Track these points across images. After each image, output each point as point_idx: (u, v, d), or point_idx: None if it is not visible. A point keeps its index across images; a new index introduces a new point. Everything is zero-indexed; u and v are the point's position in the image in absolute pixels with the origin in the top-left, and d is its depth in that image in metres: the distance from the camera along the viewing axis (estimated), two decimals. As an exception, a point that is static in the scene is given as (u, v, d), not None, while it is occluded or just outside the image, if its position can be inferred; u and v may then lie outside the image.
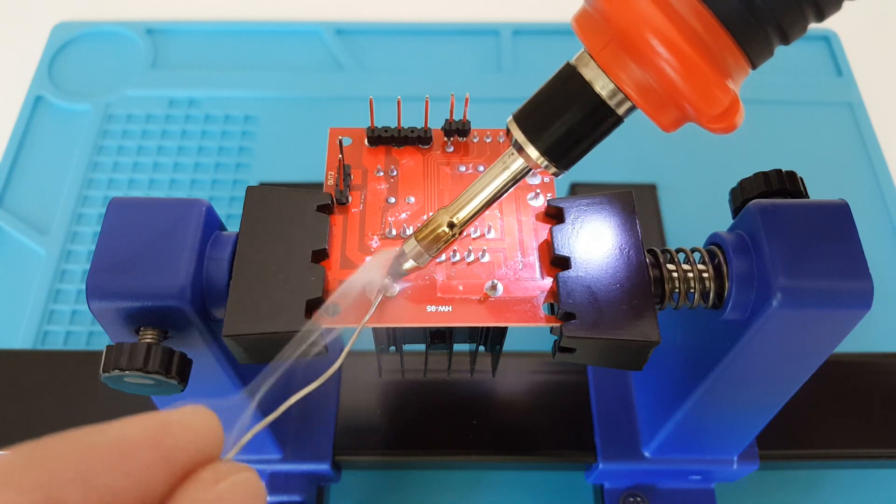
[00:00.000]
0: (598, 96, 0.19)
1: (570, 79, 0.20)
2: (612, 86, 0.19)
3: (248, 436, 0.17)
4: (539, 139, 0.20)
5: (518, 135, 0.21)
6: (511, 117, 0.21)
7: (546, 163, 0.21)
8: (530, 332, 0.27)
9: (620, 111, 0.20)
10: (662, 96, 0.18)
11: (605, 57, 0.19)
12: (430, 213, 0.26)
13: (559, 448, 0.35)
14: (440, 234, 0.23)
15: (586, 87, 0.19)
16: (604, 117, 0.20)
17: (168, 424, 0.14)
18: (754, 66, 0.19)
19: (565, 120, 0.20)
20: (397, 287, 0.24)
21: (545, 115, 0.20)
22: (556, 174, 0.21)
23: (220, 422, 0.15)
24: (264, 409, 0.28)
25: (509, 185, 0.22)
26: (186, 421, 0.14)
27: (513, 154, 0.21)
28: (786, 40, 0.18)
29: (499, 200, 0.23)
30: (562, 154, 0.20)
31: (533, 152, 0.20)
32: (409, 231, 0.25)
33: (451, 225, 0.23)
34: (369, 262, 0.24)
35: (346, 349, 0.22)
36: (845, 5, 0.18)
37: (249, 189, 0.25)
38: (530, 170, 0.21)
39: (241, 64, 0.55)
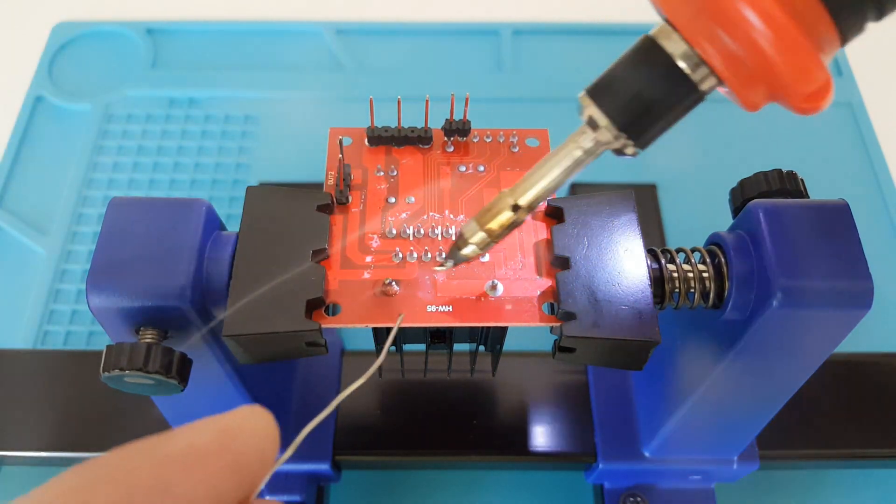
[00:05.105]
0: (680, 71, 0.18)
1: (650, 52, 0.19)
2: (696, 59, 0.18)
3: (299, 439, 0.16)
4: (617, 115, 0.19)
5: (593, 111, 0.19)
6: (584, 92, 0.20)
7: (624, 140, 0.19)
8: (530, 332, 0.27)
9: (704, 87, 0.19)
10: (753, 71, 0.17)
11: (693, 30, 0.18)
12: (431, 213, 0.26)
13: (559, 448, 0.35)
14: (503, 217, 0.22)
15: (668, 61, 0.18)
16: (687, 93, 0.19)
17: (231, 429, 0.14)
18: (844, 42, 0.18)
19: (646, 96, 0.19)
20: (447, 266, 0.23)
21: (623, 90, 0.19)
22: (632, 154, 0.20)
23: (276, 422, 0.15)
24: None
25: (580, 164, 0.21)
26: (248, 424, 0.14)
27: (585, 132, 0.20)
28: (881, 13, 0.17)
29: (563, 184, 0.21)
30: (642, 131, 0.19)
31: (611, 129, 0.19)
32: (410, 231, 0.25)
33: (516, 207, 0.21)
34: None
35: (385, 349, 0.22)
36: None
37: (249, 189, 0.25)
38: (603, 149, 0.20)
39: (241, 64, 0.55)
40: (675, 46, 0.18)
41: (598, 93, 0.19)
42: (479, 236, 0.22)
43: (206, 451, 0.13)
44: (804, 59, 0.17)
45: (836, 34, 0.17)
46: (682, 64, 0.18)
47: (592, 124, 0.20)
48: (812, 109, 0.18)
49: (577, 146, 0.20)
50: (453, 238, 0.25)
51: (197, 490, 0.13)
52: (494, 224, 0.22)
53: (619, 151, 0.20)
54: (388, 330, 0.27)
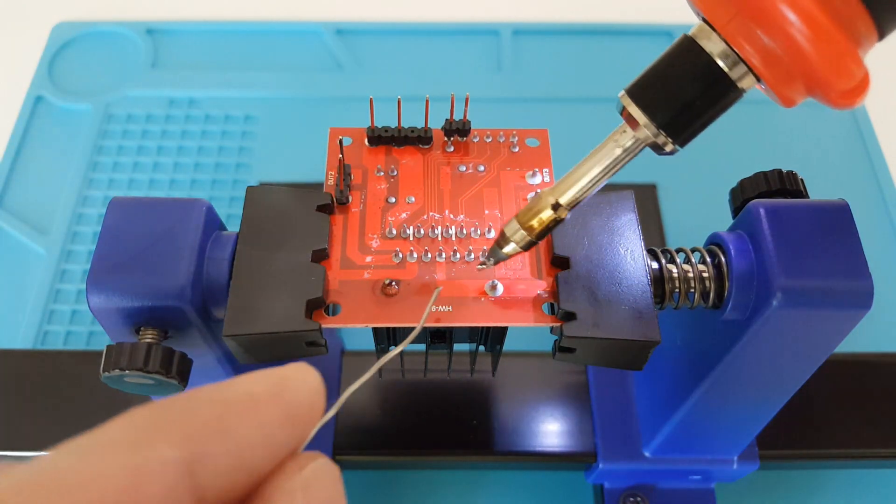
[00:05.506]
0: (720, 69, 0.19)
1: (690, 52, 0.19)
2: (735, 58, 0.19)
3: (316, 427, 0.17)
4: (657, 114, 0.20)
5: (633, 109, 0.20)
6: (624, 92, 0.20)
7: (664, 138, 0.20)
8: (530, 332, 0.27)
9: (743, 84, 0.19)
10: (790, 68, 0.18)
11: (732, 29, 0.18)
12: (431, 213, 0.26)
13: (559, 448, 0.35)
14: (544, 216, 0.22)
15: (708, 59, 0.19)
16: (725, 91, 0.19)
17: (286, 380, 0.15)
18: (882, 36, 0.18)
19: (685, 94, 0.19)
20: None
21: (663, 89, 0.20)
22: (671, 151, 0.21)
23: (322, 379, 0.16)
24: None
25: (620, 162, 0.21)
26: (299, 377, 0.15)
27: (625, 131, 0.21)
28: None
29: (603, 181, 0.22)
30: (681, 129, 0.20)
31: (650, 127, 0.20)
32: (410, 231, 0.25)
33: (556, 206, 0.22)
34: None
35: (400, 348, 0.22)
36: None
37: (249, 189, 0.25)
38: (642, 146, 0.21)
39: (241, 64, 0.55)
40: (713, 45, 0.19)
41: (638, 91, 0.20)
42: (520, 235, 0.22)
43: (263, 398, 0.14)
44: (842, 55, 0.17)
45: (873, 29, 0.17)
46: (720, 62, 0.19)
47: (632, 122, 0.20)
48: (849, 105, 0.18)
49: (617, 144, 0.21)
50: (454, 238, 0.25)
51: (253, 435, 0.13)
52: (535, 222, 0.22)
53: (658, 149, 0.20)
54: (389, 330, 0.27)
